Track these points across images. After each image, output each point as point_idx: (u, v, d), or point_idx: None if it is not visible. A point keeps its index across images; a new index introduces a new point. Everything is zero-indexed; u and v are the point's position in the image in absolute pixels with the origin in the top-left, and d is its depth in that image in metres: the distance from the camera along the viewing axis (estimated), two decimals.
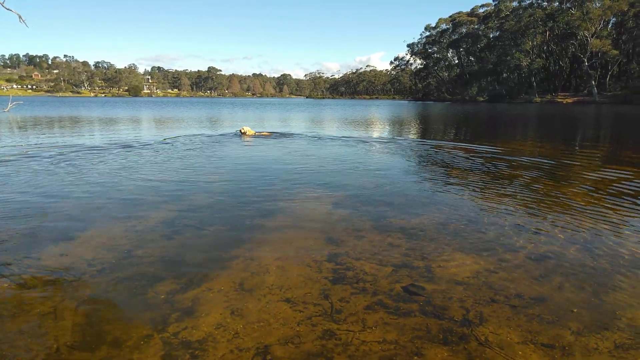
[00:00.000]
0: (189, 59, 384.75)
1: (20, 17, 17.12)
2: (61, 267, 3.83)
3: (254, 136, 16.27)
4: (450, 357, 2.55)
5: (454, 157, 11.07)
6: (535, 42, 78.31)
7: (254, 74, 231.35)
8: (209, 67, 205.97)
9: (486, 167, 9.49)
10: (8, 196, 6.48)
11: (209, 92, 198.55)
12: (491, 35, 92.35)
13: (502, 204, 6.19)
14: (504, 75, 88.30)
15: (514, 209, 5.90)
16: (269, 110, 49.46)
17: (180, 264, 3.94)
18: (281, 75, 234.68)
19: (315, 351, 2.60)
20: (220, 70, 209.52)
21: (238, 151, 12.21)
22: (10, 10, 16.24)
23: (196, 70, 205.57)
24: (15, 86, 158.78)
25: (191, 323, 2.91)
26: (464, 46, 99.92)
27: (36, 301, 3.20)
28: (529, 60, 79.50)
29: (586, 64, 71.80)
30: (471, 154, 11.57)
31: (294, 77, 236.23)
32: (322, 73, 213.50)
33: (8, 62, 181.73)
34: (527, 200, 6.41)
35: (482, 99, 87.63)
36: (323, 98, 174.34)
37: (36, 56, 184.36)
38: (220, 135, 16.95)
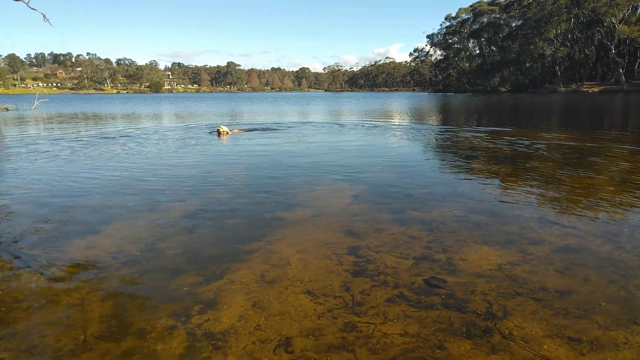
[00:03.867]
0: (206, 55, 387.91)
1: (44, 16, 17.41)
2: (87, 260, 3.91)
3: (235, 134, 15.33)
4: (473, 350, 2.52)
5: (475, 148, 10.90)
6: (559, 30, 76.16)
7: (272, 68, 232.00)
8: (228, 62, 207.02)
9: (509, 157, 9.31)
10: (35, 189, 6.66)
11: (228, 87, 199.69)
12: (513, 24, 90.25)
13: (526, 195, 6.07)
14: (527, 64, 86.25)
15: (538, 201, 5.78)
16: (289, 103, 49.51)
17: (201, 256, 3.98)
18: (299, 68, 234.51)
19: (336, 343, 2.60)
20: (239, 65, 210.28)
21: (257, 145, 12.26)
22: (35, 9, 16.53)
23: (215, 65, 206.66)
24: (40, 84, 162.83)
25: (213, 315, 2.94)
26: (486, 36, 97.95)
27: (64, 293, 3.28)
28: (553, 49, 77.47)
29: (613, 51, 69.57)
30: (493, 145, 11.37)
31: (312, 70, 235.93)
32: (341, 66, 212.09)
33: (34, 60, 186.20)
34: (551, 192, 6.27)
35: (504, 90, 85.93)
36: (342, 91, 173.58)
37: (60, 54, 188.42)
38: (248, 130, 17.04)
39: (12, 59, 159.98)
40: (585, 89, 70.20)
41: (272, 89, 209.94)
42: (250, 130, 16.74)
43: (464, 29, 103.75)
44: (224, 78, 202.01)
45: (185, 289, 3.34)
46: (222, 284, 3.41)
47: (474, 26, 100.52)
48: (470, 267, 3.67)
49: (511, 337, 2.64)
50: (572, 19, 75.03)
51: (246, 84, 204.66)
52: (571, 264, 3.71)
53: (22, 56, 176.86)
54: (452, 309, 2.98)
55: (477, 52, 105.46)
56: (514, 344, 2.56)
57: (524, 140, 12.33)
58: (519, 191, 6.32)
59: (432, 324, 2.80)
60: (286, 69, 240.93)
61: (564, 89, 73.72)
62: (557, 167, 8.20)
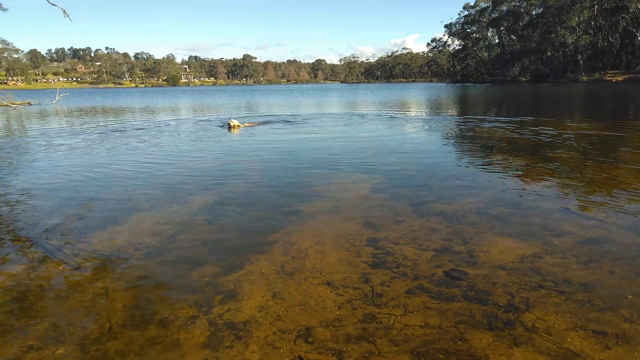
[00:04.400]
0: (223, 48, 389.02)
1: (64, 11, 17.73)
2: (110, 251, 3.99)
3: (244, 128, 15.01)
4: (495, 342, 2.50)
5: (495, 139, 10.73)
6: (582, 17, 74.10)
7: (288, 61, 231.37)
8: (244, 55, 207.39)
9: (530, 148, 9.15)
10: (59, 181, 6.80)
11: (244, 79, 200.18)
12: (534, 12, 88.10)
13: (548, 186, 5.96)
14: (548, 53, 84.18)
15: (561, 192, 5.67)
16: (304, 95, 49.43)
17: (221, 248, 4.02)
18: (315, 60, 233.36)
19: (357, 334, 2.61)
20: (255, 58, 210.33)
21: (272, 138, 12.29)
22: (56, 5, 16.83)
23: (232, 58, 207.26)
24: (61, 79, 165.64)
25: (234, 305, 2.97)
26: (505, 25, 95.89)
27: (88, 282, 3.35)
28: (575, 37, 75.49)
29: (639, 38, 67.48)
30: (513, 135, 11.18)
31: (328, 62, 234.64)
32: (357, 57, 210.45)
33: (54, 55, 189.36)
34: (574, 183, 6.15)
35: (524, 79, 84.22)
36: (358, 83, 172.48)
37: (80, 49, 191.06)
38: (263, 122, 17.09)
39: (33, 54, 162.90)
40: (608, 78, 68.34)
41: (288, 81, 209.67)
42: (261, 123, 16.54)
43: (482, 18, 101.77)
44: (240, 71, 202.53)
45: (206, 279, 3.38)
46: (242, 275, 3.44)
47: (493, 15, 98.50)
48: (492, 259, 3.63)
49: (534, 330, 2.60)
50: (596, 6, 72.92)
51: (262, 76, 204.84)
52: (596, 256, 3.64)
53: (43, 51, 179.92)
54: (473, 301, 2.95)
55: (497, 41, 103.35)
56: (537, 337, 2.53)
57: (545, 130, 12.10)
58: (540, 182, 6.21)
59: (453, 315, 2.78)
60: (302, 61, 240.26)
61: (587, 78, 71.89)
62: (580, 157, 8.03)
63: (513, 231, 4.27)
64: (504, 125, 13.93)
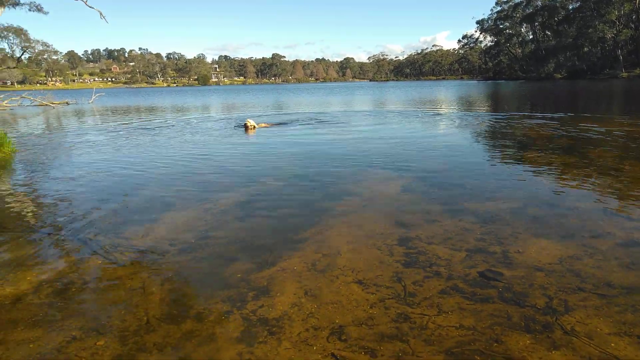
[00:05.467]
0: (252, 47, 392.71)
1: (101, 13, 18.19)
2: (146, 246, 4.10)
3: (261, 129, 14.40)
4: (533, 345, 2.44)
5: (529, 136, 10.46)
6: (622, 11, 71.26)
7: (316, 59, 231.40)
8: (273, 54, 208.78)
9: (566, 146, 8.88)
10: (96, 178, 7.03)
11: (273, 78, 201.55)
12: (570, 7, 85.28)
13: (586, 186, 5.77)
14: (585, 49, 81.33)
15: (600, 192, 5.48)
16: (332, 94, 49.38)
17: (253, 245, 4.07)
18: (344, 59, 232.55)
19: (390, 333, 2.59)
20: (284, 57, 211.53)
21: (301, 135, 12.34)
22: (92, 7, 17.31)
23: (261, 57, 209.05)
24: (97, 79, 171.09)
25: (267, 302, 3.00)
26: (540, 20, 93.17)
27: (126, 277, 3.45)
28: (615, 32, 72.64)
29: None
30: (549, 133, 10.87)
31: (356, 60, 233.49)
32: (386, 55, 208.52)
33: (90, 56, 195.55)
34: (614, 182, 5.92)
35: (559, 76, 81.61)
36: (387, 80, 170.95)
37: (114, 50, 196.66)
38: (293, 120, 17.19)
39: (71, 55, 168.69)
40: None
41: (316, 79, 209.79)
42: (283, 122, 16.05)
43: (516, 14, 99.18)
44: (269, 70, 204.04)
45: (239, 275, 3.43)
46: (274, 272, 3.47)
47: (527, 10, 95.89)
48: (528, 260, 3.54)
49: (574, 333, 2.52)
50: None
51: (291, 75, 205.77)
52: (638, 259, 3.50)
53: (80, 53, 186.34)
54: (509, 303, 2.89)
55: (531, 37, 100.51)
56: (577, 341, 2.45)
57: (582, 128, 11.71)
58: (578, 182, 6.02)
59: (489, 317, 2.73)
60: (330, 60, 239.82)
61: (627, 74, 69.00)
62: (620, 155, 7.73)
63: (550, 232, 4.15)
64: (539, 122, 13.55)
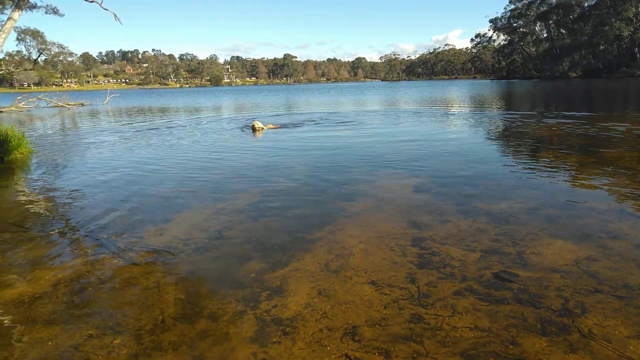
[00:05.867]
0: (263, 48, 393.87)
1: (115, 15, 18.47)
2: (161, 246, 4.13)
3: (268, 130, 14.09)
4: (549, 347, 2.41)
5: (543, 136, 10.33)
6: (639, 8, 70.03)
7: (328, 59, 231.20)
8: (284, 55, 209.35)
9: (582, 146, 8.75)
10: (110, 178, 7.12)
11: (285, 79, 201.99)
12: (586, 4, 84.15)
13: (602, 187, 5.68)
14: (601, 47, 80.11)
15: (616, 192, 5.39)
16: (342, 94, 49.32)
17: (266, 245, 4.08)
18: (355, 58, 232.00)
19: (404, 334, 2.58)
20: (296, 57, 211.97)
21: (313, 136, 12.35)
22: (107, 10, 17.57)
23: (272, 58, 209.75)
24: (111, 80, 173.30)
25: (281, 302, 3.01)
26: (554, 18, 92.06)
27: (141, 276, 3.49)
28: (632, 30, 71.41)
29: None
30: (563, 132, 10.73)
31: (368, 60, 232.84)
32: (398, 55, 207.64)
33: (105, 58, 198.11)
34: (631, 183, 5.83)
35: (574, 75, 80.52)
36: (399, 80, 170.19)
37: (128, 51, 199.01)
38: (304, 120, 17.22)
39: (85, 57, 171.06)
40: None
41: (328, 79, 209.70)
42: (284, 125, 15.50)
43: (530, 12, 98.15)
44: (281, 70, 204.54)
45: (252, 275, 3.44)
46: (287, 272, 3.48)
47: (541, 8, 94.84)
48: (544, 261, 3.50)
49: (591, 336, 2.49)
50: None
51: (302, 75, 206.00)
52: None
53: (95, 54, 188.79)
54: (525, 304, 2.86)
55: (545, 35, 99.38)
56: (595, 343, 2.42)
57: (598, 127, 11.53)
58: (594, 182, 5.93)
59: (504, 318, 2.70)
60: (342, 59, 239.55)
61: None
62: (636, 156, 7.60)
63: (566, 233, 4.10)
64: (553, 121, 13.39)
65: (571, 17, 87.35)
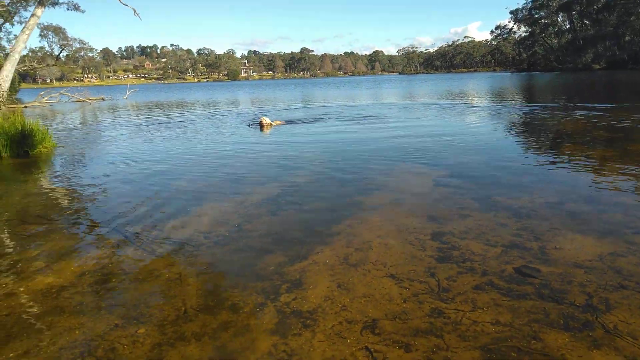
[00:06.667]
0: (280, 42, 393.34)
1: (134, 11, 18.63)
2: (182, 238, 4.20)
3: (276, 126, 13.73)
4: (572, 343, 2.38)
5: (566, 129, 10.13)
6: None
7: (345, 53, 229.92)
8: (301, 48, 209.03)
9: (605, 140, 8.56)
10: (130, 171, 7.24)
11: (302, 73, 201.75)
12: None
13: (627, 181, 5.56)
14: (627, 38, 77.83)
15: None
16: (359, 87, 49.05)
17: (285, 238, 4.11)
18: (372, 52, 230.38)
19: (424, 328, 2.58)
20: (313, 51, 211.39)
21: (330, 129, 12.33)
22: (127, 5, 17.72)
23: (289, 52, 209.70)
24: (130, 75, 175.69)
25: (300, 294, 3.04)
26: (578, 8, 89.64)
27: (164, 268, 3.55)
28: None
29: None
30: (586, 125, 10.50)
31: (385, 53, 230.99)
32: (415, 47, 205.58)
33: (124, 53, 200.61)
34: None
35: (598, 67, 78.39)
36: (417, 73, 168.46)
37: (147, 47, 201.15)
38: (320, 114, 17.22)
39: (106, 52, 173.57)
40: None
41: (345, 73, 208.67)
42: (290, 121, 15.03)
43: (552, 2, 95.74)
44: (298, 64, 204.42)
45: (272, 268, 3.48)
46: (306, 265, 3.50)
47: None
48: (566, 256, 3.45)
49: (616, 332, 2.45)
50: None
51: (319, 69, 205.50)
52: None
53: (114, 50, 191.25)
54: (547, 300, 2.82)
55: (567, 26, 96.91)
56: (620, 340, 2.38)
57: (623, 120, 11.25)
58: (618, 177, 5.80)
59: (526, 314, 2.68)
60: (359, 53, 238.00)
61: None
62: None
63: (589, 228, 4.03)
64: (576, 114, 13.10)
65: (595, 7, 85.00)
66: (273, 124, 13.77)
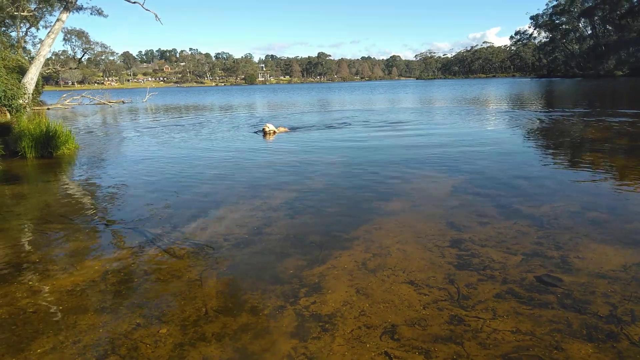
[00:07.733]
0: (297, 46, 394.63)
1: (156, 15, 18.91)
2: (202, 240, 4.25)
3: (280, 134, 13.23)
4: (596, 354, 2.34)
5: (587, 137, 9.97)
6: None
7: (362, 58, 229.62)
8: (318, 53, 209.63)
9: (628, 148, 8.40)
10: (150, 173, 7.36)
11: (318, 77, 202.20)
12: None
13: None
14: None
15: None
16: (375, 92, 48.97)
17: (304, 242, 4.13)
18: (390, 57, 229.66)
19: (444, 335, 2.57)
20: (330, 56, 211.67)
21: (348, 135, 12.34)
22: (149, 10, 18.00)
23: (306, 56, 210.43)
24: (150, 79, 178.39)
25: (319, 298, 3.05)
26: (600, 14, 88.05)
27: (184, 269, 3.61)
28: None
29: None
30: (608, 133, 10.31)
31: (402, 58, 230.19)
32: (433, 53, 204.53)
33: (144, 57, 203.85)
34: None
35: (620, 73, 76.81)
36: (434, 79, 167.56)
37: (166, 51, 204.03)
38: (335, 119, 17.25)
39: (126, 56, 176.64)
40: None
41: (361, 78, 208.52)
42: (294, 128, 14.46)
43: (574, 8, 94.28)
44: (315, 69, 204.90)
45: (291, 271, 3.50)
46: (325, 269, 3.52)
47: (586, 4, 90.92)
48: (589, 266, 3.40)
49: None
50: None
51: (336, 74, 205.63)
52: None
53: (134, 53, 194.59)
54: (569, 310, 2.79)
55: (589, 32, 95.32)
56: None
57: None
58: None
59: (548, 323, 2.65)
60: (376, 58, 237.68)
61: None
62: None
63: (612, 237, 3.96)
64: (597, 121, 12.88)
65: (618, 12, 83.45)
66: (277, 131, 13.37)
